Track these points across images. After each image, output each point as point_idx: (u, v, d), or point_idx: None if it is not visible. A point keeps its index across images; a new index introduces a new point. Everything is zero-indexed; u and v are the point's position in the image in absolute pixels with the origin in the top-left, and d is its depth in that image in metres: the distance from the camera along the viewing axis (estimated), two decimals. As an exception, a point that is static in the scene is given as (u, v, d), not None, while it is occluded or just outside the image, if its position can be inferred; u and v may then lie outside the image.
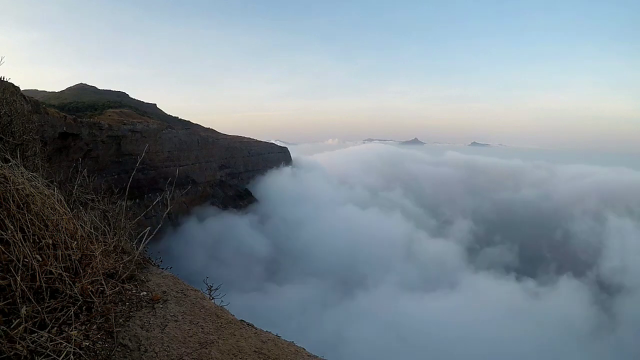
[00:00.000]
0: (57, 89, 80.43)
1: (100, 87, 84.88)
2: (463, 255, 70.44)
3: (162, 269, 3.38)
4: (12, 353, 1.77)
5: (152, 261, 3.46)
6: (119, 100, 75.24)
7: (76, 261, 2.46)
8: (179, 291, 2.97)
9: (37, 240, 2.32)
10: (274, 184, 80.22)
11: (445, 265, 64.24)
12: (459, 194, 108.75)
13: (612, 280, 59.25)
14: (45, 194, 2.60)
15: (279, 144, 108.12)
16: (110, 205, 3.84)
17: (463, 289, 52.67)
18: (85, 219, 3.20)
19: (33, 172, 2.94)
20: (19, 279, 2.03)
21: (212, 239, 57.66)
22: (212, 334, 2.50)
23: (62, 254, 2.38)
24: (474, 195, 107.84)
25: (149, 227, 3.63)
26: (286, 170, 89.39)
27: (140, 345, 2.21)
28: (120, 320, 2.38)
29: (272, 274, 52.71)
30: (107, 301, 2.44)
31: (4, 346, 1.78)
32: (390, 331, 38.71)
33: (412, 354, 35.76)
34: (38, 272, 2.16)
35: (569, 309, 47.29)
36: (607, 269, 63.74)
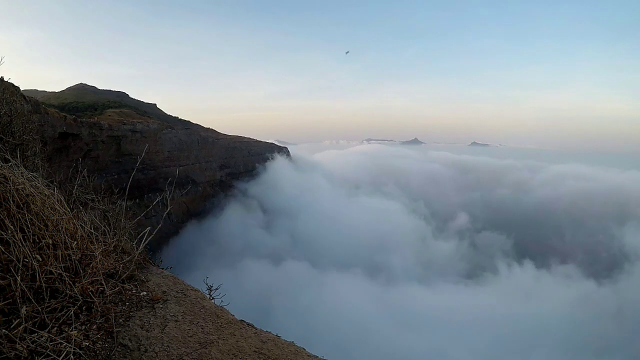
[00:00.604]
0: (57, 89, 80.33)
1: (100, 87, 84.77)
2: (466, 247, 73.19)
3: (162, 269, 3.38)
4: (12, 353, 1.77)
5: (152, 261, 3.46)
6: (119, 100, 75.20)
7: (76, 261, 2.46)
8: (179, 291, 2.97)
9: (37, 240, 2.32)
10: (274, 183, 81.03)
11: (453, 257, 67.26)
12: (455, 192, 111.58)
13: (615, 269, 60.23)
14: (45, 194, 2.60)
15: (278, 144, 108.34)
16: (110, 205, 3.84)
17: (473, 279, 54.88)
18: (85, 219, 3.20)
19: (33, 172, 2.94)
20: (19, 279, 2.03)
21: (220, 237, 58.73)
22: (212, 334, 2.50)
23: (62, 254, 2.38)
24: (468, 193, 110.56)
25: (149, 227, 3.63)
26: (287, 167, 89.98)
27: (140, 345, 2.21)
28: (120, 320, 2.38)
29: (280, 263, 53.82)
30: (107, 301, 2.44)
31: (4, 346, 1.78)
32: (404, 322, 39.80)
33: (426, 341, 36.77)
34: (38, 272, 2.16)
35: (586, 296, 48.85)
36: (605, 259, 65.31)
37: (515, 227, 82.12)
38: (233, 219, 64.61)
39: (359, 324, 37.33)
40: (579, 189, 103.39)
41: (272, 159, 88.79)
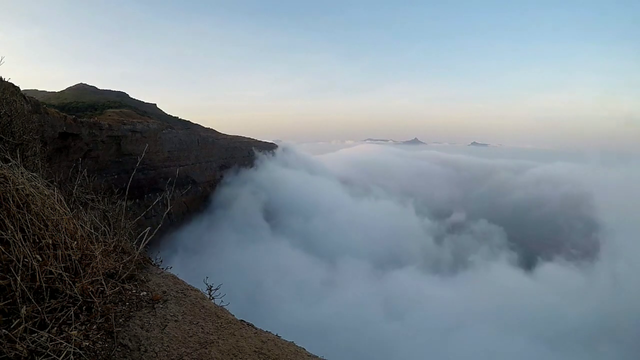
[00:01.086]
0: (57, 89, 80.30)
1: (100, 87, 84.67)
2: (459, 240, 75.97)
3: (162, 269, 3.38)
4: (12, 353, 1.77)
5: (152, 261, 3.46)
6: (119, 100, 75.14)
7: (76, 261, 2.46)
8: (179, 291, 2.97)
9: (37, 240, 2.32)
10: (272, 182, 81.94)
11: (446, 250, 70.46)
12: (449, 189, 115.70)
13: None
14: (45, 194, 2.60)
15: (279, 144, 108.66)
16: (110, 205, 3.84)
17: (468, 271, 57.49)
18: (85, 219, 3.20)
19: (33, 172, 2.94)
20: (19, 279, 2.03)
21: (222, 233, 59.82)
22: (212, 334, 2.50)
23: (62, 254, 2.38)
24: (461, 190, 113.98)
25: (149, 227, 3.63)
26: (286, 167, 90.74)
27: (140, 345, 2.21)
28: (120, 320, 2.38)
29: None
30: (107, 301, 2.44)
31: (4, 346, 1.78)
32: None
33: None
34: (38, 272, 2.16)
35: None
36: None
37: (506, 221, 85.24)
38: (231, 216, 65.71)
39: (359, 319, 38.00)
40: (567, 188, 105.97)
41: (272, 158, 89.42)
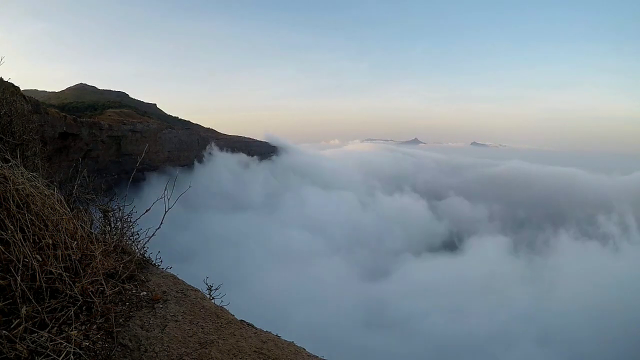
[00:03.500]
0: (57, 89, 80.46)
1: (100, 87, 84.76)
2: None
3: (162, 269, 3.38)
4: (12, 353, 1.77)
5: (152, 261, 3.46)
6: (119, 100, 75.17)
7: (76, 261, 2.45)
8: (179, 291, 2.96)
9: (37, 240, 2.32)
10: (267, 180, 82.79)
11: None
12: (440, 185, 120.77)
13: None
14: (45, 194, 2.60)
15: (279, 144, 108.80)
16: (111, 206, 3.83)
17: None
18: (85, 219, 3.20)
19: (33, 172, 2.94)
20: (19, 279, 2.03)
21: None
22: (212, 334, 2.50)
23: (62, 254, 2.38)
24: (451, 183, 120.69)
25: (150, 227, 3.63)
26: (284, 166, 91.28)
27: (140, 345, 2.21)
28: (120, 320, 2.38)
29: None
30: (107, 301, 2.44)
31: (4, 346, 1.78)
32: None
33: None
34: (38, 272, 2.16)
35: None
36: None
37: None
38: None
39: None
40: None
41: (271, 158, 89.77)
